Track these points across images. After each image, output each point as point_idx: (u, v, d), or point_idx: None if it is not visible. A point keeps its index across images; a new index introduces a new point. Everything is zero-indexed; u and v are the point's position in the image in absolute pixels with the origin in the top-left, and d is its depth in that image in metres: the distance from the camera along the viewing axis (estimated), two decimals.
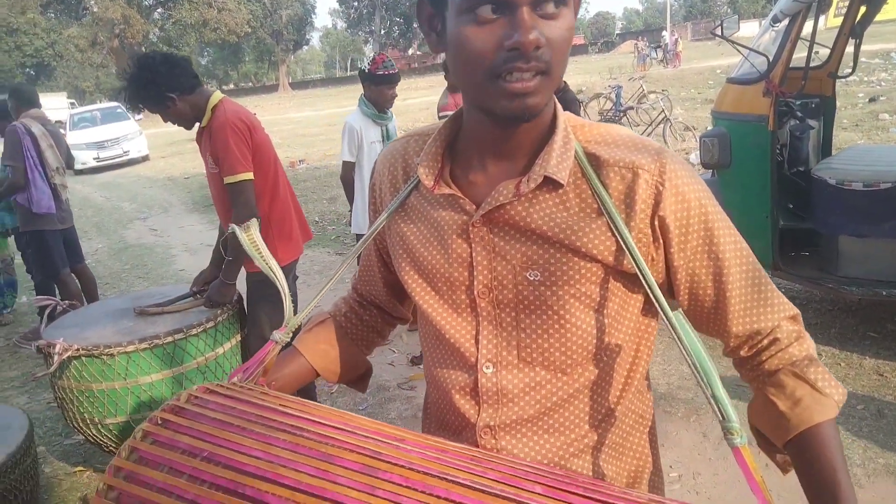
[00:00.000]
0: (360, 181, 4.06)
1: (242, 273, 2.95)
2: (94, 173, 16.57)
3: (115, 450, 2.84)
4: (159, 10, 44.25)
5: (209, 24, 41.65)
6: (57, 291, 4.95)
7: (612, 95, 14.20)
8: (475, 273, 0.96)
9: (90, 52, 42.89)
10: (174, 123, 2.92)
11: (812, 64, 4.30)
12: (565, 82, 6.56)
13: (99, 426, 2.76)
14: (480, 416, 0.97)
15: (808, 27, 3.99)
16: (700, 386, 0.82)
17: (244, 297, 3.07)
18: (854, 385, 3.37)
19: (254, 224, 1.13)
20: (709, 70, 21.55)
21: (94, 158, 16.97)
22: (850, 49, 4.45)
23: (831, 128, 4.66)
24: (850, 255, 3.73)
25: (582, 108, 13.25)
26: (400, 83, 4.15)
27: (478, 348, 0.97)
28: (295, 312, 1.13)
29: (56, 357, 2.63)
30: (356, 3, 65.39)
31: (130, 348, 2.66)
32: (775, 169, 3.79)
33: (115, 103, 21.63)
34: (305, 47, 76.40)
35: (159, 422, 0.90)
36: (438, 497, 0.75)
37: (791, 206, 4.34)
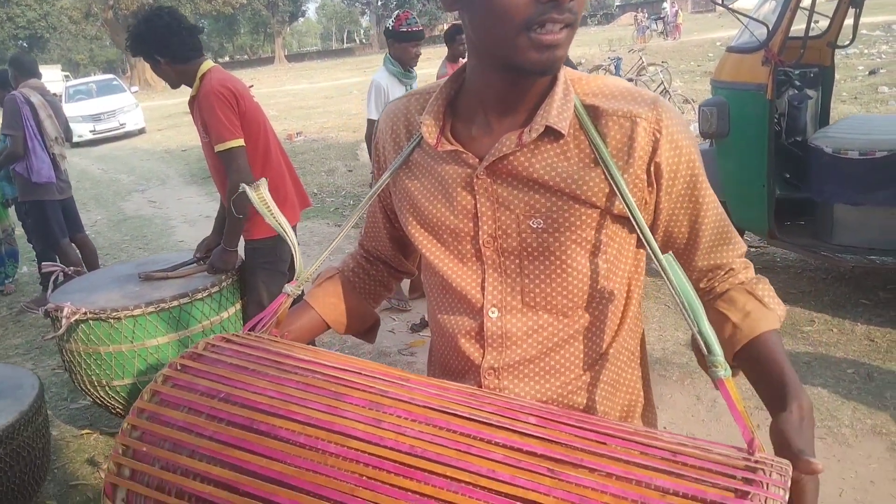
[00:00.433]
0: None
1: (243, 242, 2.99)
2: (91, 146, 16.52)
3: (123, 412, 2.92)
4: None
5: None
6: (58, 260, 4.99)
7: (612, 67, 14.14)
8: (480, 223, 1.00)
9: (84, 24, 42.42)
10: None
11: (811, 34, 4.31)
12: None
13: (106, 388, 2.81)
14: (485, 359, 1.02)
15: None
16: (687, 322, 0.86)
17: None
18: (845, 350, 3.44)
19: (263, 183, 1.16)
20: (709, 42, 21.42)
21: (91, 131, 16.90)
22: (850, 20, 4.45)
23: (829, 98, 4.67)
24: (844, 224, 3.78)
25: None
26: None
27: (483, 295, 1.02)
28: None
29: (64, 320, 2.68)
30: None
31: (137, 312, 2.71)
32: (773, 138, 3.82)
33: (110, 75, 21.51)
34: (301, 19, 75.62)
35: (178, 367, 0.94)
36: (438, 427, 0.80)
37: (788, 176, 4.37)
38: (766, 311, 0.99)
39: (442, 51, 5.39)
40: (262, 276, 2.99)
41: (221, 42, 66.12)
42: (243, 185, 1.17)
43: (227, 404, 0.86)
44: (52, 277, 3.15)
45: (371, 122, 4.13)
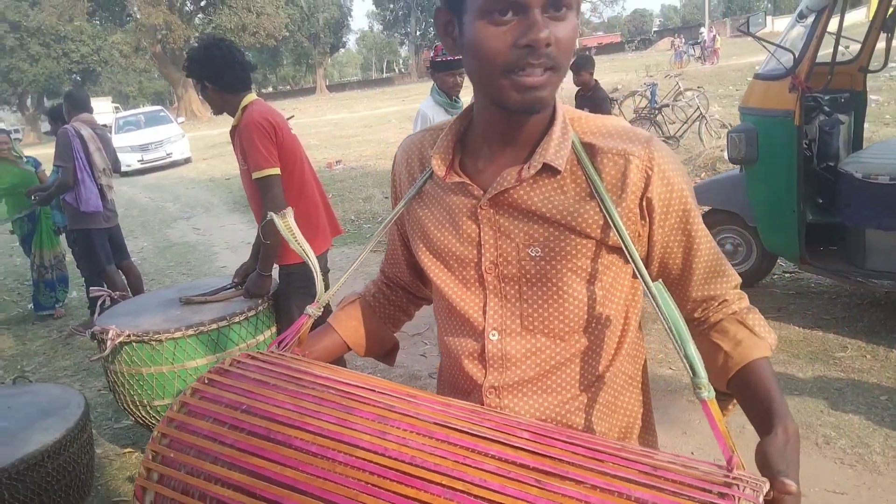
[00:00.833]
0: None
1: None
2: (139, 175, 17.07)
3: None
4: (200, 15, 45.17)
5: (248, 28, 42.40)
6: (105, 286, 5.20)
7: (648, 93, 14.13)
8: (483, 251, 1.08)
9: (133, 58, 43.97)
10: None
11: (843, 59, 4.32)
12: (596, 80, 6.65)
13: (148, 408, 2.94)
14: (487, 378, 1.09)
15: (835, 23, 4.01)
16: (675, 347, 0.92)
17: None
18: (879, 377, 3.39)
19: (290, 212, 1.26)
20: (747, 66, 21.22)
21: (139, 161, 17.48)
22: (882, 44, 4.44)
23: (862, 122, 4.65)
24: (877, 249, 3.75)
25: (617, 105, 13.27)
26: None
27: (485, 318, 1.09)
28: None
29: (109, 342, 2.81)
30: (392, 6, 65.86)
31: (178, 334, 2.84)
32: (802, 164, 3.83)
33: (158, 107, 22.24)
34: (342, 50, 77.18)
35: (206, 381, 1.04)
36: (439, 440, 0.87)
37: (820, 201, 4.35)
38: (756, 339, 1.04)
39: None
40: (296, 299, 3.10)
41: (265, 73, 67.75)
42: (270, 213, 1.26)
43: (248, 415, 0.94)
44: (99, 301, 3.31)
45: None
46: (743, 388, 1.02)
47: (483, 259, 1.08)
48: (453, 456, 0.84)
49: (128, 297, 4.30)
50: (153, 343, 2.83)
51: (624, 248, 0.99)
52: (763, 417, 0.95)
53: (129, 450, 3.54)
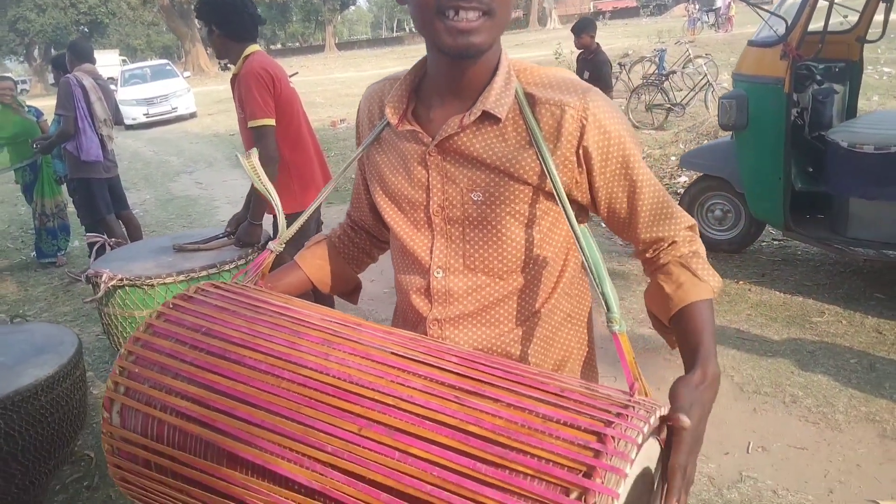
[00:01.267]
0: None
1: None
2: (144, 129, 17.09)
3: None
4: None
5: None
6: (105, 235, 5.30)
7: (656, 59, 14.01)
8: (431, 195, 1.15)
9: (141, 11, 43.53)
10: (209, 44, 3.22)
11: (841, 28, 4.32)
12: (598, 44, 6.62)
13: None
14: (431, 312, 1.18)
15: None
16: (594, 284, 0.99)
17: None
18: (852, 341, 3.49)
19: (254, 153, 1.33)
20: None
21: (144, 114, 17.49)
22: (881, 15, 4.43)
23: (857, 93, 4.66)
24: (859, 217, 3.81)
25: (625, 71, 13.18)
26: None
27: (431, 257, 1.17)
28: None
29: (102, 286, 2.92)
30: None
31: (169, 280, 2.94)
32: (789, 131, 3.87)
33: (164, 61, 22.13)
34: (352, 7, 76.03)
35: (171, 306, 1.12)
36: (375, 361, 0.96)
37: (810, 170, 4.40)
38: (698, 282, 1.10)
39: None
40: (287, 249, 3.19)
41: (274, 29, 67.03)
42: (237, 153, 1.34)
43: (207, 336, 1.03)
44: (96, 247, 3.41)
45: None
46: (679, 329, 1.09)
47: (431, 202, 1.15)
48: (386, 375, 0.93)
49: (123, 244, 4.40)
50: (145, 287, 2.93)
51: (555, 193, 1.06)
52: (690, 357, 1.02)
53: None
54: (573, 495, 0.76)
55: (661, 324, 1.16)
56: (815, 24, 4.11)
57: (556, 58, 15.40)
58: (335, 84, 23.03)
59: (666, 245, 1.15)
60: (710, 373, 0.98)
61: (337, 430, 0.87)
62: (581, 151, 1.09)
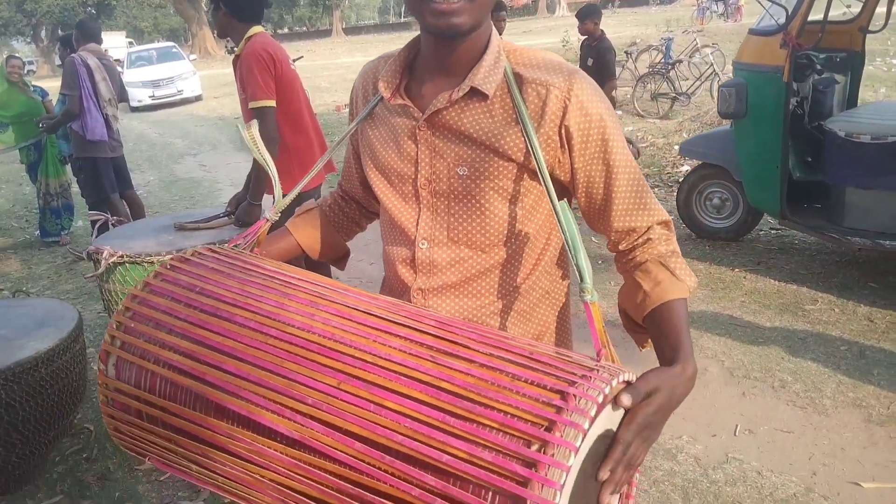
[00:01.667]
0: None
1: None
2: (149, 111, 17.13)
3: None
4: None
5: None
6: (109, 213, 5.36)
7: (662, 48, 13.96)
8: (419, 168, 1.19)
9: None
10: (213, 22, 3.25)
11: (843, 18, 4.33)
12: (602, 31, 6.61)
13: None
14: (416, 282, 1.22)
15: None
16: (569, 256, 1.03)
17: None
18: (843, 329, 3.53)
19: (254, 124, 1.37)
20: None
21: (150, 96, 17.53)
22: (883, 8, 4.43)
23: (858, 83, 4.67)
24: (855, 207, 3.84)
25: (631, 59, 13.14)
26: None
27: (417, 229, 1.21)
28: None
29: (103, 262, 2.97)
30: None
31: (168, 258, 2.96)
32: (788, 120, 3.89)
33: (170, 43, 22.13)
34: None
35: (168, 267, 1.17)
36: (357, 322, 1.01)
37: (810, 160, 4.42)
38: (675, 281, 1.11)
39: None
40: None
41: (281, 13, 66.72)
42: (237, 124, 1.38)
43: (200, 295, 1.08)
44: (97, 224, 3.46)
45: None
46: (655, 326, 1.10)
47: (419, 176, 1.19)
48: (367, 335, 0.98)
49: (125, 222, 4.46)
50: (145, 264, 2.97)
51: (537, 169, 1.10)
52: (669, 354, 1.04)
53: None
54: (534, 447, 0.80)
55: (632, 323, 1.19)
56: (817, 14, 4.12)
57: (564, 45, 15.36)
58: (341, 69, 22.99)
59: (640, 239, 1.16)
60: (689, 369, 1.00)
61: (318, 383, 0.92)
62: (563, 131, 1.12)
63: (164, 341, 1.04)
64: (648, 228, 1.16)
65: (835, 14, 4.44)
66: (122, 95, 5.61)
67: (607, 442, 0.90)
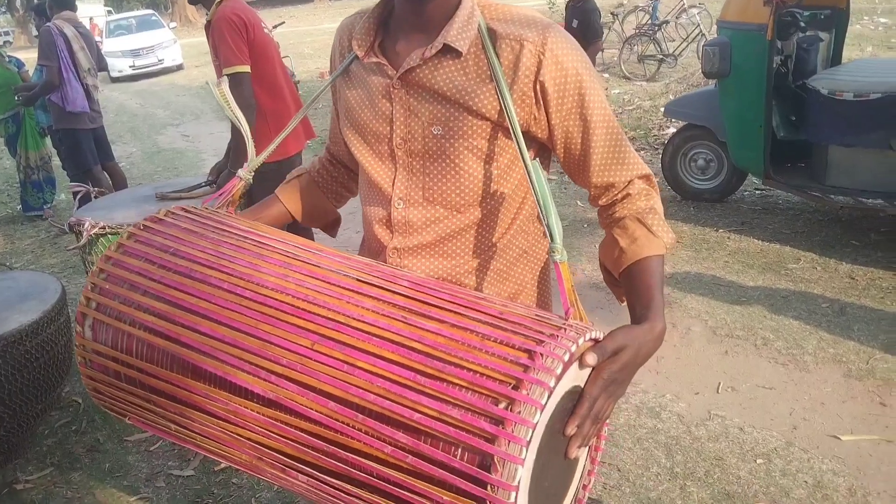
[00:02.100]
0: None
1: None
2: (130, 81, 16.85)
3: None
4: None
5: None
6: (90, 185, 5.30)
7: (649, 8, 13.84)
8: (394, 128, 1.18)
9: None
10: None
11: None
12: None
13: None
14: (392, 241, 1.22)
15: None
16: (541, 215, 1.02)
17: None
18: (825, 287, 3.57)
19: (225, 81, 1.35)
20: None
21: (130, 66, 17.21)
22: None
23: (842, 40, 4.65)
24: (837, 165, 3.86)
25: (618, 20, 13.02)
26: None
27: (393, 189, 1.21)
28: None
29: (85, 233, 2.95)
30: None
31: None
32: (771, 79, 3.88)
33: (150, 11, 21.72)
34: None
35: (141, 227, 1.17)
36: (330, 283, 1.00)
37: (793, 118, 4.42)
38: (652, 238, 1.11)
39: None
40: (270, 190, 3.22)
41: None
42: (208, 81, 1.36)
43: (174, 256, 1.08)
44: (79, 196, 3.43)
45: None
46: (630, 282, 1.11)
47: (394, 135, 1.18)
48: (340, 296, 0.98)
49: (107, 193, 4.41)
50: None
51: (509, 126, 1.09)
52: (640, 311, 1.05)
53: None
54: (501, 405, 0.81)
55: (612, 277, 1.19)
56: None
57: (550, 6, 15.16)
58: (324, 35, 22.61)
59: (620, 194, 1.16)
60: (658, 327, 1.01)
61: (292, 344, 0.93)
62: (538, 86, 1.10)
63: (138, 303, 1.04)
64: (628, 183, 1.15)
65: None
66: (100, 64, 5.51)
67: (575, 398, 0.91)
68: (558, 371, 0.82)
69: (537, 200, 1.02)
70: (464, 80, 1.12)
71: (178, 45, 18.53)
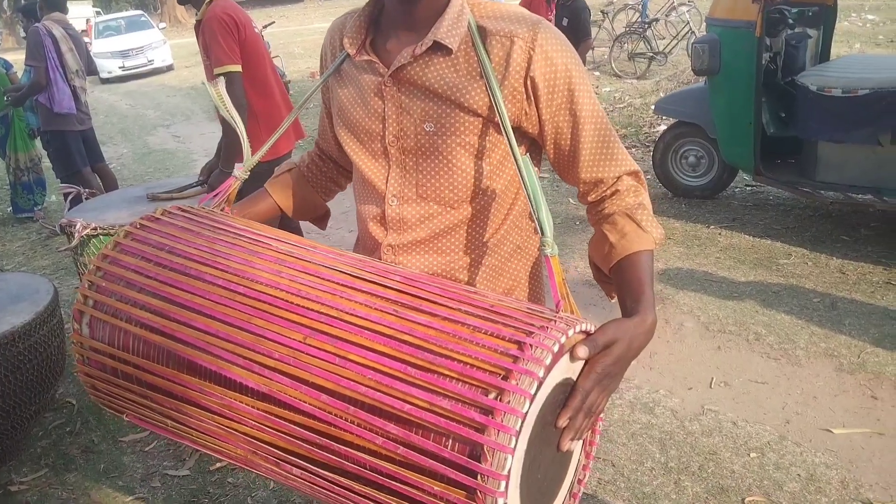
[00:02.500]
0: None
1: None
2: (120, 82, 16.76)
3: None
4: None
5: None
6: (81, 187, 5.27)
7: (639, 6, 13.89)
8: (386, 125, 1.18)
9: None
10: None
11: None
12: None
13: None
14: (386, 238, 1.22)
15: None
16: (532, 210, 1.03)
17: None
18: (816, 282, 3.59)
19: (221, 81, 1.36)
20: None
21: (120, 67, 17.12)
22: None
23: (830, 37, 4.68)
24: (827, 161, 3.88)
25: (608, 18, 13.06)
26: None
27: (386, 186, 1.21)
28: None
29: (76, 235, 2.94)
30: None
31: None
32: (760, 76, 3.90)
33: (139, 12, 21.62)
34: None
35: (138, 226, 1.17)
36: (323, 278, 1.01)
37: (783, 115, 4.44)
38: (641, 233, 1.11)
39: None
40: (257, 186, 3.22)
41: None
42: (204, 82, 1.37)
43: (170, 254, 1.08)
44: (70, 197, 3.42)
45: None
46: (620, 277, 1.12)
47: (387, 133, 1.19)
48: (333, 291, 0.99)
49: (97, 194, 4.40)
50: None
51: (500, 121, 1.09)
52: (631, 304, 1.06)
53: None
54: (491, 395, 0.82)
55: (602, 274, 1.20)
56: None
57: None
58: (315, 34, 22.57)
59: (609, 191, 1.16)
60: (649, 320, 1.02)
61: (284, 338, 0.93)
62: (528, 82, 1.11)
63: (135, 300, 1.04)
64: (617, 179, 1.16)
65: None
66: (90, 68, 5.48)
67: (568, 390, 0.92)
68: (547, 361, 0.83)
69: (527, 194, 1.03)
70: (454, 76, 1.13)
71: (168, 45, 18.45)
